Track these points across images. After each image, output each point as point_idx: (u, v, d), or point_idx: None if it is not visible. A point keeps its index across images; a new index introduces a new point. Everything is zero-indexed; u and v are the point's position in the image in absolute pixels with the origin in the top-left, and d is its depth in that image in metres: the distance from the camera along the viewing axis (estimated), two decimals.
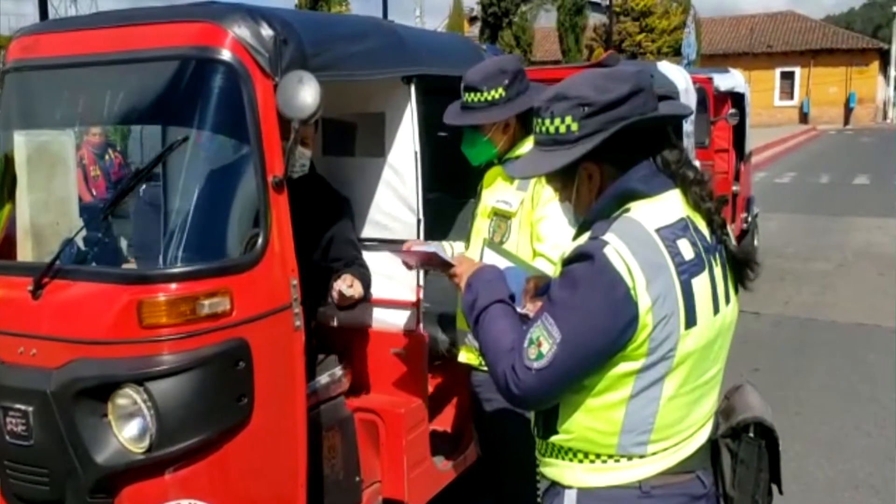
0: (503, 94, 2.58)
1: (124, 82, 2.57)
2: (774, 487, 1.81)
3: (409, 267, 2.76)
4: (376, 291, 3.05)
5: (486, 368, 1.98)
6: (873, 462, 4.30)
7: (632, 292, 1.48)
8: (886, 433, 4.65)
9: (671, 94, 1.89)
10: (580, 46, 30.85)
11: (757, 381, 5.29)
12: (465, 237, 2.85)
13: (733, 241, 1.68)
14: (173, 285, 2.27)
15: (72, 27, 2.74)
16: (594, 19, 32.40)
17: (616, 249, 1.50)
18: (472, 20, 36.73)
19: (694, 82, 6.85)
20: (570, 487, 1.63)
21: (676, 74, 6.36)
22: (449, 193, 3.69)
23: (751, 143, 9.57)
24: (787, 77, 39.70)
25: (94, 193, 5.91)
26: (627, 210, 1.59)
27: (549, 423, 1.64)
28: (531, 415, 1.72)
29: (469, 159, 2.78)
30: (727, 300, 1.65)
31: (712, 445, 1.72)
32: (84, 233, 2.52)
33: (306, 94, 2.28)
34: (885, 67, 41.41)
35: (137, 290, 2.26)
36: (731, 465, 1.73)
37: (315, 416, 2.85)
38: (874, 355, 6.03)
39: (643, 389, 1.55)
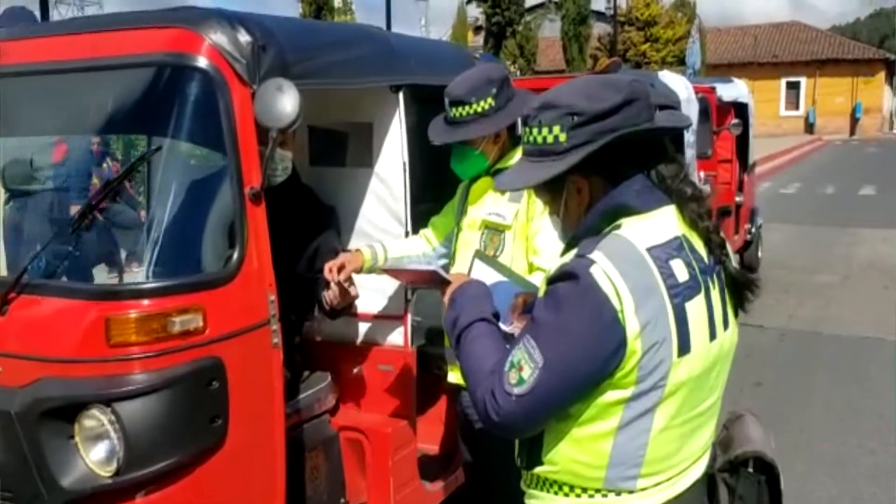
0: (492, 103, 2.47)
1: (97, 90, 2.48)
2: None
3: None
4: (364, 306, 2.96)
5: None
6: (877, 482, 4.18)
7: (619, 316, 1.38)
8: (891, 450, 4.54)
9: (672, 104, 1.79)
10: (584, 56, 30.80)
11: (759, 396, 5.32)
12: (450, 253, 2.73)
13: (734, 262, 1.58)
14: (143, 301, 2.17)
15: (43, 33, 2.65)
16: (598, 29, 32.44)
17: (603, 269, 1.40)
18: (477, 30, 36.76)
19: (697, 92, 6.78)
20: None
21: (678, 84, 6.28)
22: (437, 204, 3.61)
23: (755, 153, 9.50)
24: (793, 87, 39.67)
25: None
26: (618, 227, 1.49)
27: (534, 454, 1.54)
28: (515, 443, 1.62)
29: (459, 175, 2.66)
30: (725, 325, 1.54)
31: (709, 480, 1.62)
32: (53, 246, 2.43)
33: (285, 102, 2.18)
34: (891, 78, 41.29)
35: (105, 307, 2.17)
36: (729, 501, 1.62)
37: (298, 435, 2.76)
38: (878, 370, 5.95)
39: (632, 420, 1.45)
